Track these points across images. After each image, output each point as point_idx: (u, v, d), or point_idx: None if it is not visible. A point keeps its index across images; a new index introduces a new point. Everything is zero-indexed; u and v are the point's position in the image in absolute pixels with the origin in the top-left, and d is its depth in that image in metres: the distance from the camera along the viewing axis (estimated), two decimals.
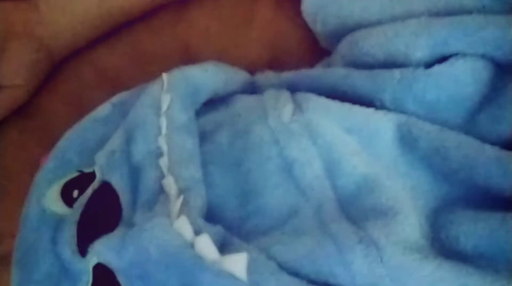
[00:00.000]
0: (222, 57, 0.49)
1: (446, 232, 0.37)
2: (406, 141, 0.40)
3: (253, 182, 0.40)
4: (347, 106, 0.42)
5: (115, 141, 0.42)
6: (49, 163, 0.44)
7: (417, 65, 0.42)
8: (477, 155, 0.38)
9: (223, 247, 0.35)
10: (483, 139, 0.39)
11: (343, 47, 0.48)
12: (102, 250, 0.36)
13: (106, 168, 0.41)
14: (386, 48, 0.43)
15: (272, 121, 0.42)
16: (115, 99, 0.46)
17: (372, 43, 0.44)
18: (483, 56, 0.40)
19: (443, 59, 0.41)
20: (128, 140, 0.41)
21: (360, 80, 0.43)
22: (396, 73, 0.42)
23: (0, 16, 0.56)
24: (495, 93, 0.41)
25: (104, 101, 0.46)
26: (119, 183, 0.40)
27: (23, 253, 0.41)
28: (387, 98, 0.42)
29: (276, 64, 0.55)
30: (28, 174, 0.44)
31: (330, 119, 0.41)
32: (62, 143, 0.44)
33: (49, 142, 0.45)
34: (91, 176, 0.41)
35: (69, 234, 0.39)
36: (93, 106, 0.46)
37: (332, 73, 0.46)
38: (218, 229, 0.36)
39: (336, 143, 0.41)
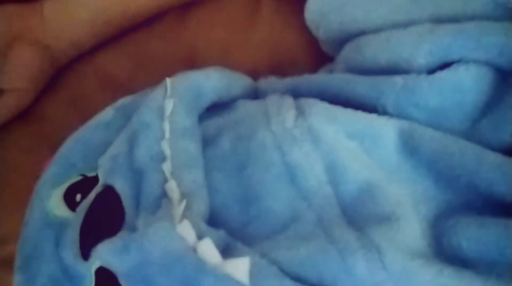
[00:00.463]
0: (225, 62, 0.49)
1: (448, 238, 0.37)
2: (409, 147, 0.40)
3: (255, 187, 0.40)
4: (349, 111, 0.42)
5: (118, 145, 0.42)
6: (52, 167, 0.44)
7: (420, 71, 0.42)
8: (479, 161, 0.38)
9: (226, 252, 0.35)
10: (486, 145, 0.39)
11: (346, 53, 0.48)
12: (105, 254, 0.36)
13: (109, 172, 0.41)
14: (389, 54, 0.43)
15: (275, 126, 0.42)
16: (118, 103, 0.46)
17: (375, 50, 0.45)
18: (485, 63, 0.40)
19: (445, 65, 0.41)
20: (131, 145, 0.41)
21: (362, 86, 0.43)
22: (399, 79, 0.42)
23: (4, 20, 0.56)
24: (498, 99, 0.41)
25: (107, 105, 0.46)
26: (122, 187, 0.40)
27: (26, 257, 0.41)
28: (390, 104, 0.42)
29: (278, 69, 0.55)
30: (31, 178, 0.44)
31: (333, 125, 0.41)
32: (65, 147, 0.44)
33: (52, 146, 0.45)
34: (94, 180, 0.41)
35: (72, 237, 0.39)
36: (96, 110, 0.46)
37: (335, 78, 0.46)
38: (221, 233, 0.36)
39: (339, 148, 0.41)
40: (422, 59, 0.42)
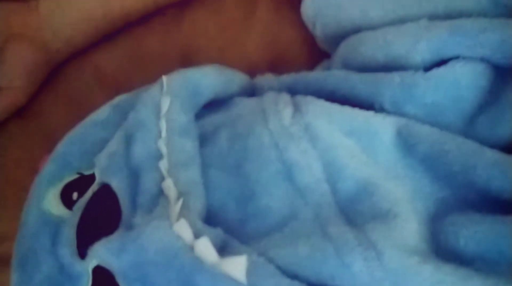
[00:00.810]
0: (222, 59, 0.49)
1: (445, 235, 0.37)
2: (406, 144, 0.40)
3: (252, 185, 0.40)
4: (346, 109, 0.42)
5: (115, 143, 0.42)
6: (48, 165, 0.44)
7: (417, 68, 0.42)
8: (476, 158, 0.38)
9: (223, 250, 0.35)
10: (483, 142, 0.39)
11: (343, 50, 0.48)
12: (102, 252, 0.36)
13: (105, 170, 0.41)
14: (385, 51, 0.43)
15: (272, 124, 0.42)
16: (115, 101, 0.46)
17: (372, 47, 0.45)
18: (482, 60, 0.41)
19: (442, 62, 0.41)
20: (128, 143, 0.41)
21: (359, 83, 0.43)
22: (396, 76, 0.42)
23: (0, 17, 0.56)
24: (495, 96, 0.41)
25: (104, 103, 0.46)
26: (119, 185, 0.40)
27: (23, 256, 0.41)
28: (387, 101, 0.42)
29: (275, 66, 0.56)
30: (27, 176, 0.44)
31: (330, 122, 0.41)
32: (62, 145, 0.44)
33: (49, 144, 0.45)
34: (91, 178, 0.41)
35: (69, 236, 0.39)
36: (93, 108, 0.46)
37: (332, 76, 0.46)
38: (218, 231, 0.36)
39: (336, 146, 0.41)
40: (419, 56, 0.42)
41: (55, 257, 0.39)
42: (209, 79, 0.45)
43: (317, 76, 0.47)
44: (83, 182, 0.42)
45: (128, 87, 0.47)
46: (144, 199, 0.39)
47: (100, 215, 0.40)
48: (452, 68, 0.41)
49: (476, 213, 0.38)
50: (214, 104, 0.46)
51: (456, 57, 0.41)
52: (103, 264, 0.36)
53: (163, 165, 0.39)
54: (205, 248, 0.34)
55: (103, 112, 0.45)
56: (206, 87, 0.45)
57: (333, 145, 0.40)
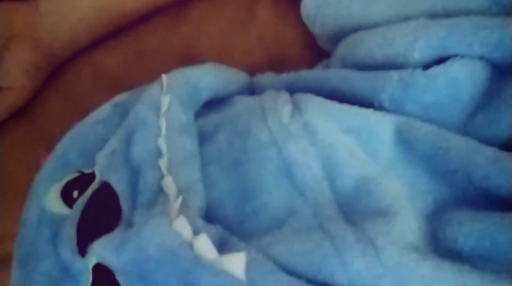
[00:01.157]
0: (222, 58, 0.49)
1: (444, 233, 0.37)
2: (405, 141, 0.40)
3: (252, 182, 0.40)
4: (346, 107, 0.42)
5: (115, 142, 0.42)
6: (49, 164, 0.44)
7: (416, 66, 0.42)
8: (475, 156, 0.38)
9: (222, 247, 0.35)
10: (481, 140, 0.39)
11: (342, 49, 0.48)
12: (102, 250, 0.36)
13: (106, 168, 0.41)
14: (384, 50, 0.44)
15: (271, 122, 0.42)
16: (115, 100, 0.46)
17: (371, 45, 0.45)
18: (481, 58, 0.41)
19: (441, 60, 0.41)
20: (128, 141, 0.41)
21: (359, 81, 0.43)
22: (395, 74, 0.42)
23: (1, 17, 0.56)
24: (493, 94, 0.41)
25: (104, 102, 0.46)
26: (119, 184, 0.40)
27: (23, 254, 0.41)
28: (386, 99, 0.42)
29: (275, 65, 0.56)
30: (28, 175, 0.44)
31: (329, 120, 0.41)
32: (62, 144, 0.44)
33: (50, 143, 0.45)
34: (91, 176, 0.41)
35: (69, 234, 0.39)
36: (93, 107, 0.46)
37: (331, 74, 0.46)
38: (217, 229, 0.36)
39: (335, 144, 0.41)
40: (418, 54, 0.42)
41: (56, 255, 0.39)
42: (209, 77, 0.45)
43: (316, 74, 0.47)
44: (83, 180, 0.42)
45: (129, 86, 0.48)
46: (144, 197, 0.39)
47: (100, 213, 0.40)
48: (450, 66, 0.41)
49: (475, 210, 0.38)
50: (214, 103, 0.46)
51: (454, 55, 0.41)
52: (103, 262, 0.37)
53: (163, 163, 0.39)
54: (204, 245, 0.34)
55: (103, 111, 0.46)
56: (206, 85, 0.45)
57: (332, 143, 0.41)
